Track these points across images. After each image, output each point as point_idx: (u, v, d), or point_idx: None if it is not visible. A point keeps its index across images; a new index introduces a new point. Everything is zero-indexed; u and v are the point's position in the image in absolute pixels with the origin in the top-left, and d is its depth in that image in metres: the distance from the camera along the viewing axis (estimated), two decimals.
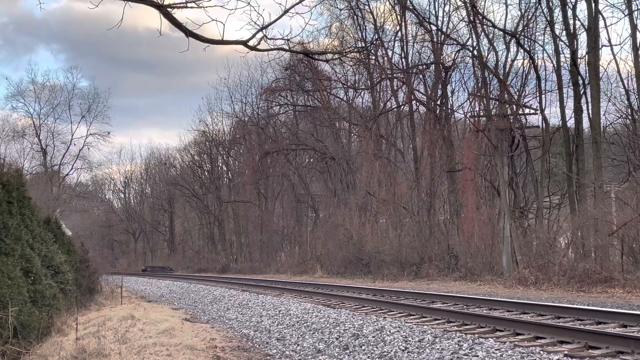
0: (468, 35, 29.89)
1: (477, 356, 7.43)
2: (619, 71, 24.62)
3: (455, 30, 32.08)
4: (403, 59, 34.23)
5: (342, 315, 11.82)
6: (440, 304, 14.13)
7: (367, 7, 36.24)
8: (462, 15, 30.29)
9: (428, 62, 33.03)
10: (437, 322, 11.07)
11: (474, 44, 27.37)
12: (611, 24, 40.87)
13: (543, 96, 26.56)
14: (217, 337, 10.70)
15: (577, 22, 25.44)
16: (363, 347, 8.67)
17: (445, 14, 32.84)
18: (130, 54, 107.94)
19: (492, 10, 73.33)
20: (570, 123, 25.34)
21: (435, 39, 32.02)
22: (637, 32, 22.88)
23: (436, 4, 32.25)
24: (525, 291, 18.24)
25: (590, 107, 23.88)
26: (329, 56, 22.46)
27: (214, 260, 56.21)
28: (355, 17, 36.67)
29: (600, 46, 23.96)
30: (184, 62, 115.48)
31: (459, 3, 29.63)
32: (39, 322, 10.09)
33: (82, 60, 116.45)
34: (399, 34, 34.36)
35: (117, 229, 77.75)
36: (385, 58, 35.68)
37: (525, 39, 26.92)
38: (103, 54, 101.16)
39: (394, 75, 34.92)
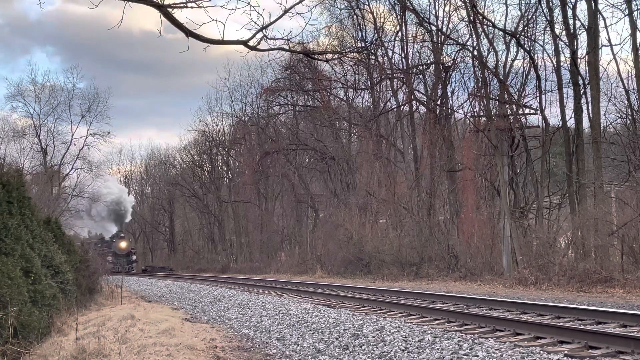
0: (468, 35, 29.91)
1: (477, 356, 7.43)
2: (619, 71, 24.62)
3: (455, 30, 32.13)
4: (403, 59, 34.26)
5: (342, 315, 11.81)
6: (440, 304, 14.13)
7: (367, 7, 36.31)
8: (462, 15, 30.33)
9: (428, 62, 33.03)
10: (437, 322, 11.07)
11: (474, 44, 27.40)
12: (611, 24, 40.98)
13: (543, 96, 26.58)
14: (217, 337, 10.70)
15: (577, 22, 25.49)
16: (363, 347, 8.67)
17: (445, 14, 32.80)
18: (126, 55, 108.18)
19: (492, 10, 73.44)
20: (570, 123, 25.37)
21: (435, 39, 32.01)
22: (637, 32, 22.87)
23: (436, 4, 32.28)
24: (525, 291, 18.24)
25: (590, 107, 23.88)
26: (329, 56, 22.51)
27: (214, 260, 56.24)
28: (355, 17, 36.70)
29: (600, 46, 23.96)
30: (182, 62, 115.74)
31: (459, 3, 29.65)
32: (39, 322, 10.09)
33: (77, 62, 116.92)
34: (399, 34, 34.40)
35: None
36: (385, 58, 35.71)
37: (525, 39, 26.92)
38: (99, 55, 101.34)
39: (394, 75, 34.91)
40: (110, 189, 58.00)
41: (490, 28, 27.64)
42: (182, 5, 7.99)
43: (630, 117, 24.60)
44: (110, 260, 53.04)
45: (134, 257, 58.02)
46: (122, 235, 58.92)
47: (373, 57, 36.40)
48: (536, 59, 26.97)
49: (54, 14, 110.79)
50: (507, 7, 40.05)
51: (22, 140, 46.56)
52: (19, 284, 9.84)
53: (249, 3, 8.29)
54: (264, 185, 50.63)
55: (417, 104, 34.41)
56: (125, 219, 63.08)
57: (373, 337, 9.25)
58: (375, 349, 8.48)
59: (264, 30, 8.57)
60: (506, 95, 26.59)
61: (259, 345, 9.87)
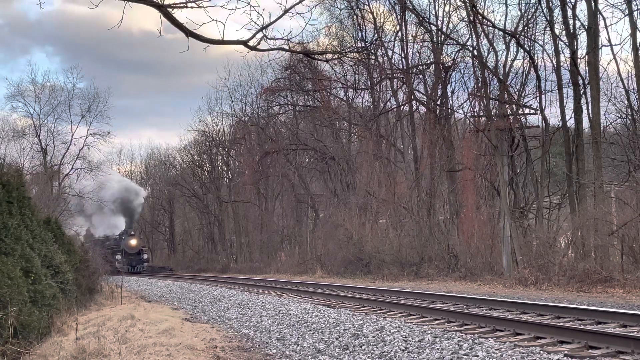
0: (468, 35, 29.89)
1: (477, 356, 7.43)
2: (619, 71, 24.60)
3: (455, 30, 32.10)
4: (403, 59, 34.24)
5: (342, 315, 11.82)
6: (440, 304, 14.13)
7: (367, 7, 36.30)
8: (462, 15, 30.29)
9: (428, 62, 33.04)
10: (437, 322, 11.07)
11: (474, 44, 27.37)
12: (611, 24, 40.82)
13: (543, 96, 26.54)
14: (217, 337, 10.70)
15: (577, 22, 25.45)
16: (363, 347, 8.67)
17: (445, 14, 32.76)
18: (126, 55, 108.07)
19: (492, 10, 73.34)
20: (570, 123, 25.34)
21: (435, 39, 32.01)
22: (637, 32, 22.87)
23: (436, 4, 32.25)
24: (525, 291, 18.24)
25: (590, 107, 23.86)
26: (329, 56, 22.52)
27: (214, 260, 56.18)
28: (355, 17, 36.68)
29: (600, 46, 23.94)
30: (182, 62, 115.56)
31: (459, 3, 29.62)
32: (39, 322, 10.09)
33: (77, 62, 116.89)
34: (399, 34, 34.38)
35: None
36: (385, 58, 35.71)
37: (525, 39, 26.91)
38: (99, 55, 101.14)
39: (394, 75, 34.90)
40: (116, 183, 55.85)
41: (490, 28, 27.65)
42: (182, 5, 7.99)
43: (630, 117, 24.60)
44: (119, 259, 50.75)
45: (145, 256, 54.80)
46: (132, 232, 55.91)
47: (373, 57, 36.41)
48: (536, 59, 26.98)
49: (53, 14, 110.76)
50: (507, 7, 40.28)
51: (22, 140, 46.52)
52: (19, 284, 9.84)
53: (249, 3, 8.30)
54: (264, 185, 50.62)
55: (417, 104, 34.42)
56: (135, 214, 59.72)
57: (373, 337, 9.25)
58: (375, 349, 8.48)
59: (264, 30, 8.59)
60: (506, 95, 26.58)
61: (259, 345, 9.87)
